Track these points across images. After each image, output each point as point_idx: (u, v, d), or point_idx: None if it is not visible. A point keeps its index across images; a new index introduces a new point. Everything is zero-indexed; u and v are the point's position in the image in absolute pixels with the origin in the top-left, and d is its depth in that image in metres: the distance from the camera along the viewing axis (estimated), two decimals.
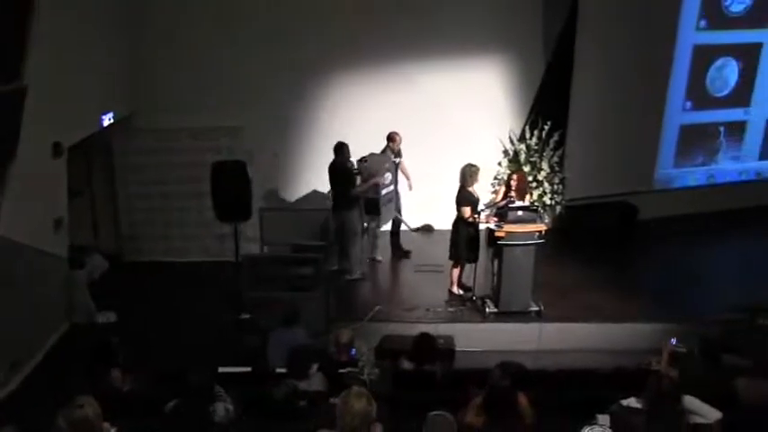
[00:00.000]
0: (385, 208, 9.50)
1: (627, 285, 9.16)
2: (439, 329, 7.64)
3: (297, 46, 10.02)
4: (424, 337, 6.32)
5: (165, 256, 10.31)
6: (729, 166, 11.58)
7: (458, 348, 7.52)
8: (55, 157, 7.98)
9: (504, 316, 8.31)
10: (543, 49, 10.59)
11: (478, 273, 8.66)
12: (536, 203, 9.75)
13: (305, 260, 8.58)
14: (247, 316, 8.20)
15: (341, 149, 9.18)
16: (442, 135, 10.27)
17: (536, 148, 10.39)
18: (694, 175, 11.47)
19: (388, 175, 9.50)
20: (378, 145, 9.76)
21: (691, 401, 4.82)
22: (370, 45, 10.22)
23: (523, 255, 8.19)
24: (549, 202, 10.35)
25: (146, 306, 8.78)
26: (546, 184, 10.33)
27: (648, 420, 4.46)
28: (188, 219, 10.33)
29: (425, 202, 10.45)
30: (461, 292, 8.89)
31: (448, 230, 8.85)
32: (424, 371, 6.07)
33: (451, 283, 8.94)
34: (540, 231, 8.19)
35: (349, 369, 5.81)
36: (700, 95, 10.96)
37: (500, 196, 8.79)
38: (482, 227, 8.60)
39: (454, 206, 8.58)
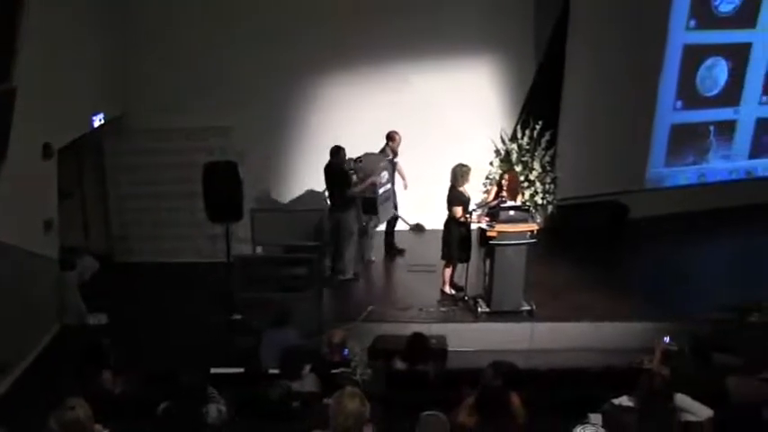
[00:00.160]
0: (382, 207, 9.51)
1: (618, 285, 9.19)
2: (431, 329, 7.65)
3: (289, 46, 10.01)
4: (417, 337, 6.33)
5: (157, 256, 10.27)
6: (720, 165, 11.63)
7: (450, 348, 7.52)
8: (45, 158, 7.95)
9: (496, 316, 8.31)
10: (534, 50, 10.62)
11: (470, 272, 8.67)
12: (528, 203, 9.76)
13: (297, 261, 8.57)
14: (239, 317, 8.18)
15: (337, 152, 9.18)
16: (433, 135, 10.28)
17: (527, 147, 10.41)
18: (685, 175, 11.52)
19: (384, 174, 9.50)
20: (369, 145, 9.75)
21: (682, 399, 4.84)
22: (361, 46, 10.21)
23: (515, 254, 8.20)
24: (540, 201, 10.37)
25: (137, 307, 8.75)
26: (537, 184, 10.35)
27: (640, 418, 4.47)
28: (179, 219, 10.30)
29: (418, 202, 10.45)
30: (453, 291, 8.90)
31: (440, 230, 8.85)
32: (417, 371, 6.08)
33: (444, 283, 8.95)
34: (532, 231, 8.20)
35: (342, 369, 5.81)
36: (690, 95, 11.00)
37: (492, 196, 8.80)
38: (474, 226, 8.61)
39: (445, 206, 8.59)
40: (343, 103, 10.38)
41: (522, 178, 10.05)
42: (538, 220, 9.41)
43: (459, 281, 8.87)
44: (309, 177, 10.36)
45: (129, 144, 10.20)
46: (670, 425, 4.67)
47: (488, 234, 8.19)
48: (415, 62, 10.36)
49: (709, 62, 10.93)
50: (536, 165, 10.34)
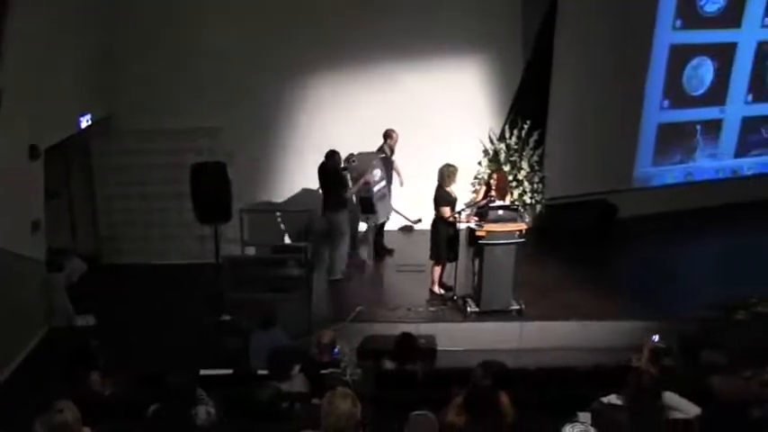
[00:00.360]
0: (380, 204, 9.51)
1: (606, 284, 9.23)
2: (420, 329, 7.67)
3: (278, 47, 9.99)
4: (406, 336, 6.34)
5: (145, 257, 10.23)
6: (706, 164, 11.71)
7: (439, 348, 7.53)
8: (32, 159, 7.89)
9: (485, 315, 8.33)
10: (522, 48, 10.64)
11: (459, 272, 8.68)
12: (516, 203, 9.81)
13: (286, 261, 8.56)
14: (228, 318, 8.16)
15: (332, 156, 9.16)
16: (422, 135, 10.28)
17: (516, 147, 10.45)
18: (672, 174, 11.59)
19: (377, 172, 9.49)
20: (359, 145, 9.75)
21: (671, 397, 4.88)
22: (349, 46, 10.20)
23: (504, 254, 8.22)
24: (529, 201, 10.41)
25: (125, 308, 8.71)
26: (526, 184, 10.39)
27: (629, 416, 4.50)
28: (168, 220, 10.25)
29: (406, 202, 10.46)
30: (442, 291, 8.91)
31: (428, 230, 8.87)
32: (406, 371, 6.09)
33: (432, 283, 8.95)
34: (521, 230, 8.22)
35: (331, 370, 5.80)
36: (677, 94, 11.07)
37: (480, 196, 8.82)
38: (462, 226, 8.62)
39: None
40: (331, 104, 10.38)
41: (510, 178, 10.09)
42: (526, 220, 9.43)
43: (449, 280, 8.88)
44: (299, 178, 10.36)
45: (116, 144, 10.14)
46: (658, 422, 4.71)
47: (477, 234, 8.20)
48: (404, 62, 10.37)
49: (695, 62, 11.00)
50: (524, 164, 10.37)
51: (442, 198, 8.49)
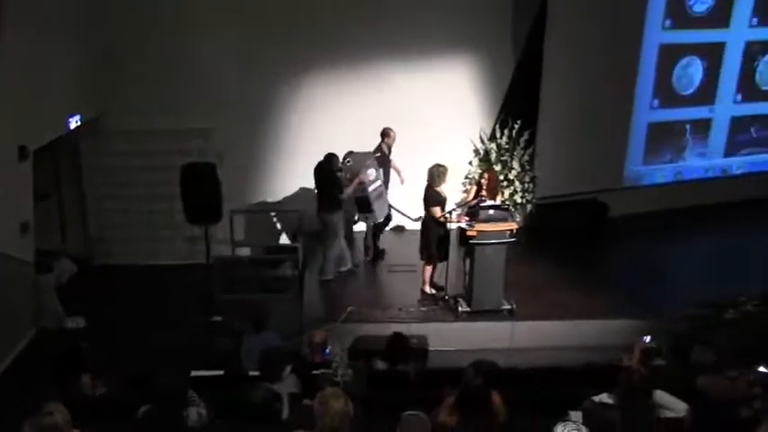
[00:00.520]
0: (377, 203, 9.45)
1: (596, 283, 9.24)
2: (412, 329, 7.66)
3: (268, 47, 9.96)
4: (397, 336, 6.34)
5: (135, 258, 10.20)
6: (696, 163, 11.76)
7: (431, 348, 7.55)
8: (21, 159, 7.85)
9: (476, 315, 8.33)
10: (513, 48, 10.67)
11: (450, 272, 8.68)
12: (507, 202, 9.82)
13: (277, 262, 8.55)
14: (219, 319, 8.14)
15: (330, 160, 9.12)
16: (413, 135, 10.25)
17: (506, 147, 10.46)
18: (662, 173, 11.63)
19: (372, 171, 9.45)
20: (350, 145, 9.70)
21: (661, 396, 4.90)
22: (341, 46, 10.18)
23: (495, 253, 8.22)
24: (520, 200, 10.43)
25: (115, 310, 8.68)
26: (517, 183, 10.41)
27: (620, 415, 4.51)
28: (158, 221, 10.23)
29: (397, 201, 10.45)
30: (434, 291, 8.90)
31: (418, 230, 8.86)
32: (398, 371, 6.09)
33: (423, 283, 8.95)
34: (512, 230, 8.22)
35: (323, 370, 5.79)
36: (667, 94, 11.11)
37: (471, 195, 8.82)
38: (453, 226, 8.62)
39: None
40: (323, 104, 10.35)
41: (501, 177, 10.10)
42: (517, 219, 9.45)
43: (440, 280, 8.87)
44: (290, 178, 10.34)
45: (106, 145, 10.11)
46: (649, 421, 4.72)
47: (468, 233, 8.19)
48: (394, 62, 10.36)
49: (684, 61, 11.04)
50: (515, 164, 10.39)
51: (432, 198, 8.49)
